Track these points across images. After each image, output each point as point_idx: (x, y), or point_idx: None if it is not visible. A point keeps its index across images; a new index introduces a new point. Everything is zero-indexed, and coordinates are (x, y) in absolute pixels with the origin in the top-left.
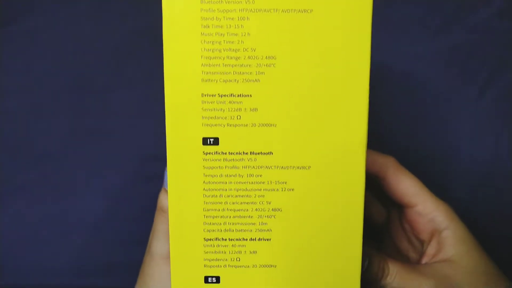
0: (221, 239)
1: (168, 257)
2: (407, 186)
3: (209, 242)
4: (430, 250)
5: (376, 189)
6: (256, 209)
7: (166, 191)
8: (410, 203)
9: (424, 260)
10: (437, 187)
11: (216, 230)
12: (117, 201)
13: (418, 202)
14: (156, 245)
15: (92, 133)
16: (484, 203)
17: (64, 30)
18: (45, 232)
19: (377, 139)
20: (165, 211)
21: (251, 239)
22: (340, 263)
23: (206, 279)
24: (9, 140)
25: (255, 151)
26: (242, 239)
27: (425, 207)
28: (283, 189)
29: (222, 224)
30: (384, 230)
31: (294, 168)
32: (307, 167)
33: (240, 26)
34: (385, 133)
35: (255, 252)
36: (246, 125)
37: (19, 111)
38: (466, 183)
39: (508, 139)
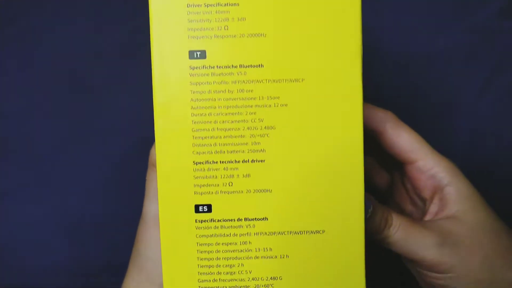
0: (211, 162)
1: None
2: (406, 141)
3: (199, 166)
4: (433, 208)
5: (377, 154)
6: (247, 128)
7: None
8: (410, 158)
9: (427, 218)
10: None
11: (206, 153)
12: (117, 201)
13: (418, 158)
14: (148, 205)
15: (92, 133)
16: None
17: (64, 30)
18: (44, 232)
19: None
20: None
21: (243, 161)
22: (342, 184)
23: (196, 208)
24: (9, 140)
25: (245, 64)
26: (234, 162)
27: (426, 163)
28: (276, 105)
29: (212, 145)
30: (387, 195)
31: (286, 81)
32: (301, 80)
33: None
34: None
35: (248, 175)
36: (235, 36)
37: (19, 111)
38: None
39: (508, 139)
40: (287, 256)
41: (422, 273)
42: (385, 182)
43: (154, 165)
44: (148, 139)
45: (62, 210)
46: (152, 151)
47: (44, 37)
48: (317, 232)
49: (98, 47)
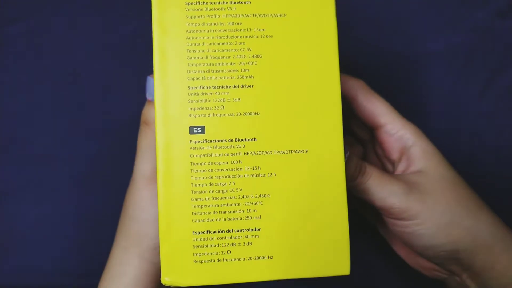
0: (204, 87)
1: (150, 178)
2: (376, 106)
3: (193, 91)
4: (401, 166)
5: (350, 128)
6: (237, 56)
7: (150, 102)
8: (379, 123)
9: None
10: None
11: (199, 78)
12: (118, 201)
13: (387, 122)
14: (139, 164)
15: (92, 133)
16: (487, 203)
17: (64, 31)
18: (44, 232)
19: None
20: (149, 124)
21: (233, 86)
22: (321, 108)
23: (191, 130)
24: (9, 140)
25: (234, 0)
26: (225, 87)
27: (393, 126)
28: (262, 36)
29: (205, 72)
30: None
31: (271, 16)
32: (283, 15)
33: None
34: None
35: (238, 99)
36: None
37: (19, 111)
38: (467, 184)
39: (509, 139)
40: (274, 174)
41: (390, 223)
42: (360, 154)
43: (147, 123)
44: None
45: (62, 210)
46: (144, 110)
47: (45, 37)
48: (301, 151)
49: (98, 46)
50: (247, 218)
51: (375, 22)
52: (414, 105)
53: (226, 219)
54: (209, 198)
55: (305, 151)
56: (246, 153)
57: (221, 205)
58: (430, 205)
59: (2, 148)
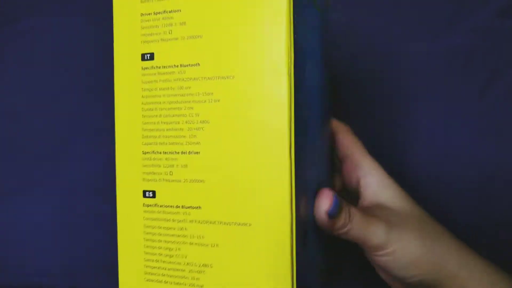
0: (156, 152)
1: None
2: (347, 141)
3: (146, 155)
4: (361, 197)
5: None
6: (186, 122)
7: None
8: (345, 154)
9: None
10: (437, 187)
11: (152, 143)
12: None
13: (351, 153)
14: None
15: (92, 132)
16: (485, 203)
17: (64, 31)
18: (44, 232)
19: (376, 138)
20: None
21: (182, 153)
22: (268, 181)
23: (144, 193)
24: (9, 140)
25: (184, 64)
26: (174, 152)
27: (354, 158)
28: (210, 101)
29: (157, 137)
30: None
31: (219, 78)
32: (231, 77)
33: None
34: (384, 132)
35: (185, 166)
36: (177, 38)
37: (19, 111)
38: (466, 184)
39: (509, 139)
40: (217, 245)
41: (366, 252)
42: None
43: None
44: None
45: (62, 210)
46: None
47: (45, 37)
48: (244, 224)
49: (99, 46)
50: (190, 285)
51: (375, 22)
52: (414, 105)
53: (173, 283)
54: (158, 261)
55: (248, 225)
56: (191, 221)
57: (168, 269)
58: (404, 241)
59: (2, 148)
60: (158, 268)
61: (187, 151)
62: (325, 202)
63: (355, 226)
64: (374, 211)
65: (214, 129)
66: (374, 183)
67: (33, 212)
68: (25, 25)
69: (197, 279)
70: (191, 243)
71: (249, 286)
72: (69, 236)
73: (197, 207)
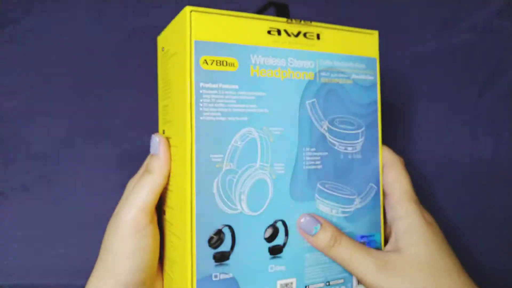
0: None
1: (143, 207)
2: (390, 179)
3: None
4: (389, 238)
5: None
6: None
7: (153, 155)
8: (386, 192)
9: (386, 246)
10: (436, 187)
11: None
12: (118, 201)
13: (390, 193)
14: (123, 206)
15: (92, 132)
16: (485, 203)
17: (64, 31)
18: (44, 232)
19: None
20: (152, 173)
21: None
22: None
23: None
24: (10, 140)
25: None
26: None
27: (392, 199)
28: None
29: None
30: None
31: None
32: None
33: None
34: (384, 132)
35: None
36: None
37: (19, 111)
38: (466, 184)
39: (508, 139)
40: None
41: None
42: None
43: (150, 172)
44: (148, 138)
45: (62, 210)
46: (147, 161)
47: (45, 37)
48: None
49: (99, 46)
50: None
51: (375, 22)
52: (414, 104)
53: None
54: None
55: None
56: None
57: None
58: (397, 286)
59: (2, 148)
60: None
61: None
62: (300, 219)
63: (345, 255)
64: (387, 257)
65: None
66: (401, 229)
67: (33, 212)
68: (25, 25)
69: None
70: None
71: None
72: (69, 236)
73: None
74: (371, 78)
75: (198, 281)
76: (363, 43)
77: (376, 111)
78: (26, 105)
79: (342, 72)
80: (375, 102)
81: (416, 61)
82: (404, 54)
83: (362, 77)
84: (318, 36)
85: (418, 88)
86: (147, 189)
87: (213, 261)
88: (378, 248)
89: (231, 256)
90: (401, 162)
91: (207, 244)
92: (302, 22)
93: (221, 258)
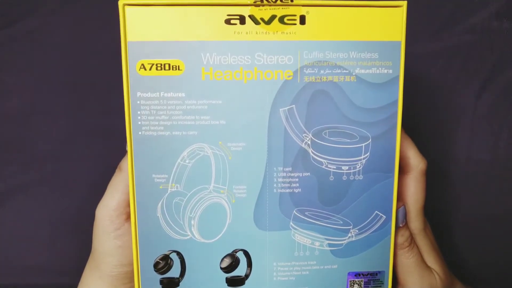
0: None
1: (113, 213)
2: (409, 192)
3: None
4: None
5: None
6: None
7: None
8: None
9: None
10: (436, 187)
11: None
12: None
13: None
14: (105, 199)
15: (92, 132)
16: (484, 203)
17: (64, 31)
18: (44, 232)
19: None
20: (122, 170)
21: None
22: None
23: None
24: (9, 140)
25: None
26: None
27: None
28: None
29: None
30: None
31: None
32: None
33: None
34: None
35: None
36: None
37: (19, 111)
38: (465, 183)
39: (507, 139)
40: None
41: None
42: None
43: (120, 169)
44: None
45: (62, 210)
46: (121, 161)
47: (45, 37)
48: None
49: (99, 46)
50: None
51: None
52: (414, 104)
53: None
54: None
55: None
56: None
57: None
58: None
59: (2, 148)
60: None
61: None
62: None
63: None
64: None
65: None
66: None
67: (33, 212)
68: (25, 26)
69: None
70: None
71: None
72: (69, 236)
73: None
74: (388, 71)
75: None
76: (377, 22)
77: (394, 115)
78: (27, 105)
79: (339, 67)
80: (394, 104)
81: (415, 62)
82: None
83: (373, 70)
84: (302, 20)
85: (417, 88)
86: (120, 189)
87: (160, 286)
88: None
89: (182, 284)
90: (423, 170)
91: (153, 269)
92: (279, 1)
93: (169, 284)
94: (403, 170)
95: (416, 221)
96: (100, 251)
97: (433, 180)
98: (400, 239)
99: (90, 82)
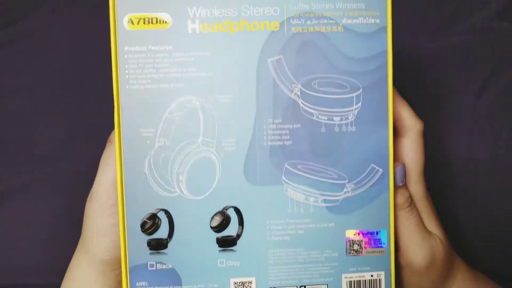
0: None
1: (112, 181)
2: (406, 155)
3: None
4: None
5: None
6: None
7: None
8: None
9: None
10: (436, 186)
11: None
12: None
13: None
14: (99, 175)
15: (92, 132)
16: (484, 203)
17: (64, 31)
18: (45, 232)
19: None
20: (112, 143)
21: None
22: None
23: None
24: (9, 140)
25: None
26: None
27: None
28: None
29: None
30: None
31: None
32: None
33: None
34: None
35: None
36: None
37: (19, 111)
38: (465, 183)
39: (507, 139)
40: None
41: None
42: None
43: (110, 142)
44: None
45: (62, 210)
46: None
47: (45, 37)
48: None
49: (99, 46)
50: None
51: None
52: (413, 104)
53: None
54: None
55: None
56: None
57: None
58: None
59: (2, 148)
60: None
61: None
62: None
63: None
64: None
65: None
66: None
67: (33, 212)
68: (25, 26)
69: None
70: None
71: None
72: (68, 236)
73: None
74: (376, 21)
75: (130, 268)
76: None
77: (384, 66)
78: (26, 105)
79: (325, 17)
80: (383, 54)
81: (415, 62)
82: (403, 55)
83: (360, 20)
84: None
85: (417, 88)
86: (113, 163)
87: (147, 248)
88: (383, 249)
89: (170, 245)
90: (421, 131)
91: (140, 230)
92: None
93: (157, 246)
94: (399, 133)
95: (416, 185)
96: (92, 230)
97: (433, 180)
98: (400, 199)
99: (90, 82)
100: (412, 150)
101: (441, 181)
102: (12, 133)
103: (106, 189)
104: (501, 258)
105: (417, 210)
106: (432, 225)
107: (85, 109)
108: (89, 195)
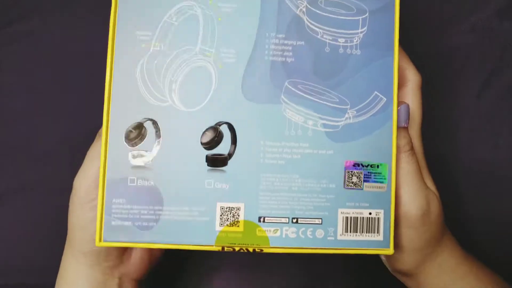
0: None
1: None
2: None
3: None
4: None
5: None
6: None
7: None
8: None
9: None
10: (436, 186)
11: None
12: None
13: None
14: (83, 171)
15: (92, 132)
16: (484, 202)
17: (64, 31)
18: (44, 232)
19: None
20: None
21: None
22: None
23: None
24: (9, 140)
25: None
26: None
27: None
28: None
29: None
30: None
31: None
32: None
33: None
34: None
35: None
36: None
37: (19, 111)
38: (465, 183)
39: (507, 138)
40: None
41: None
42: None
43: (99, 135)
44: None
45: (62, 210)
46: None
47: (45, 37)
48: None
49: (99, 46)
50: None
51: None
52: None
53: None
54: None
55: None
56: None
57: None
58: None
59: (2, 148)
60: None
61: None
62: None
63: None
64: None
65: None
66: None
67: (33, 212)
68: (26, 26)
69: None
70: None
71: None
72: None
73: None
74: None
75: (108, 180)
76: None
77: None
78: (27, 105)
79: None
80: None
81: (415, 62)
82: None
83: None
84: None
85: None
86: (99, 158)
87: (130, 161)
88: (384, 185)
89: (155, 160)
90: (419, 84)
91: (124, 140)
92: None
93: (138, 155)
94: (398, 84)
95: (413, 139)
96: (74, 224)
97: (433, 180)
98: (402, 141)
99: (90, 82)
100: (411, 101)
101: (441, 181)
102: (12, 133)
103: (87, 184)
104: (501, 258)
105: (416, 157)
106: (428, 181)
107: (85, 109)
108: (73, 186)
